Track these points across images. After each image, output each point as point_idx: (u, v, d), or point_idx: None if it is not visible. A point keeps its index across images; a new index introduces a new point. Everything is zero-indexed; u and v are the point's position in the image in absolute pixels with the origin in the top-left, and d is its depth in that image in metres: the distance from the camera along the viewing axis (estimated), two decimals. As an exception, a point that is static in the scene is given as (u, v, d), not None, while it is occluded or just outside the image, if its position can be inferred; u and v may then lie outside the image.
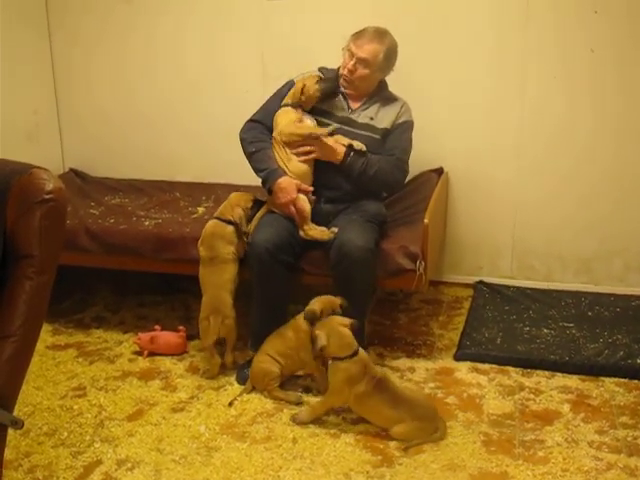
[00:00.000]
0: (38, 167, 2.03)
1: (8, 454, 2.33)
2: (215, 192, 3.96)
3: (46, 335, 3.54)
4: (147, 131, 4.30)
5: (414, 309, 3.79)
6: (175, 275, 3.64)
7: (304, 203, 3.11)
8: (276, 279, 3.06)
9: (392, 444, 2.69)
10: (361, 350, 2.79)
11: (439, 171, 3.82)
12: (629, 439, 2.70)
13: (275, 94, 3.36)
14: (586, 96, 3.69)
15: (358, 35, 3.24)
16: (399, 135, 3.29)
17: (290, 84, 3.31)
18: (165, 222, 3.54)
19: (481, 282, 3.96)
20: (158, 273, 3.75)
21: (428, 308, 3.81)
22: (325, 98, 3.24)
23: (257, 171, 3.23)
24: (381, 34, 3.24)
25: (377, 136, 3.25)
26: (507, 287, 3.91)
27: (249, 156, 3.26)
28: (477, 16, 3.72)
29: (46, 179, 1.97)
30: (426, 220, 3.07)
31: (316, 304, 2.94)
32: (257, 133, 3.29)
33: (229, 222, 3.19)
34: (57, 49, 4.30)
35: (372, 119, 3.26)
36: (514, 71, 3.73)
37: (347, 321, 2.83)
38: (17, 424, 2.02)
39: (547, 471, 2.53)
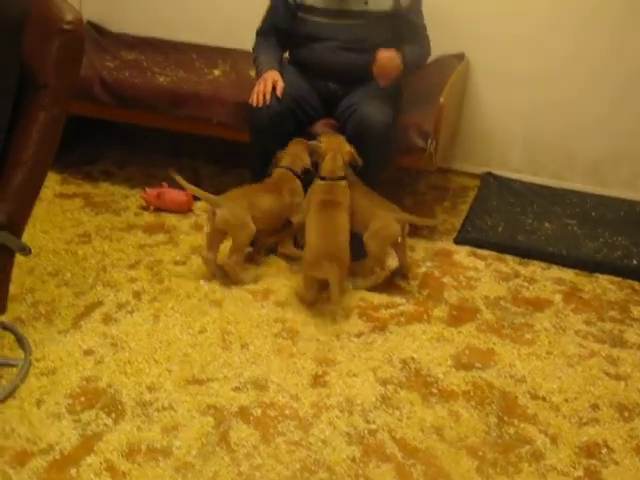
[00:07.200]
0: (58, -4, 2.01)
1: (13, 289, 2.39)
2: (232, 57, 3.90)
3: (54, 183, 3.58)
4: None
5: (420, 193, 3.81)
6: (187, 136, 3.64)
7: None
8: (274, 146, 3.06)
9: (387, 314, 2.77)
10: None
11: (460, 56, 3.76)
12: (615, 332, 2.77)
13: (270, 3, 3.26)
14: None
15: None
16: (417, 12, 3.23)
17: None
18: (180, 80, 3.51)
19: (489, 174, 3.96)
20: (169, 135, 3.76)
21: (434, 193, 3.82)
22: None
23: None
24: None
25: (373, 22, 3.14)
26: (514, 181, 3.90)
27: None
28: None
29: (66, 8, 1.96)
30: (442, 100, 3.05)
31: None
32: (260, 43, 3.26)
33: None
34: None
35: (367, 3, 3.11)
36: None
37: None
38: (25, 250, 2.09)
39: (532, 352, 2.61)
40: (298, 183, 3.03)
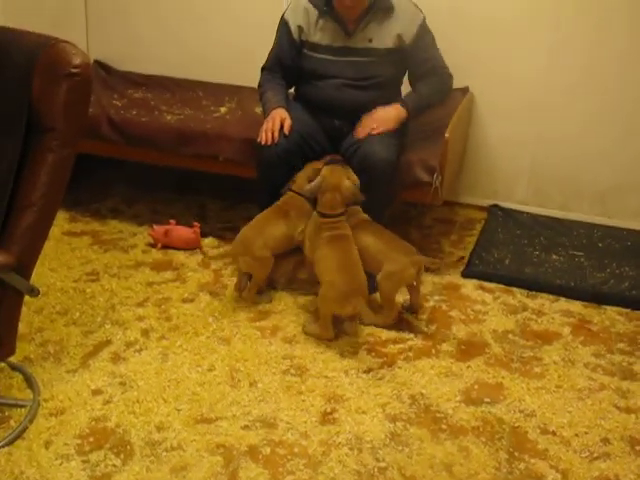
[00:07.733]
0: (66, 41, 2.05)
1: (22, 328, 2.41)
2: (238, 94, 3.95)
3: (62, 222, 3.61)
4: (175, 28, 4.25)
5: (427, 226, 3.82)
6: (193, 172, 3.67)
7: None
8: (282, 182, 3.11)
9: (395, 349, 2.77)
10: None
11: (464, 90, 3.79)
12: (624, 364, 2.75)
13: (275, 40, 3.30)
14: (625, 21, 3.58)
15: None
16: (424, 47, 3.20)
17: (283, 23, 3.24)
18: (187, 118, 3.56)
19: (496, 206, 3.97)
20: (175, 171, 3.80)
21: (440, 227, 3.83)
22: None
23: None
24: None
25: (377, 59, 3.17)
26: (521, 213, 3.92)
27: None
28: None
29: (74, 53, 2.00)
30: (447, 134, 3.07)
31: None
32: (266, 79, 3.30)
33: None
34: None
35: (371, 41, 3.15)
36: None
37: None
38: (33, 292, 2.10)
39: (541, 386, 2.60)
40: (306, 205, 3.04)
